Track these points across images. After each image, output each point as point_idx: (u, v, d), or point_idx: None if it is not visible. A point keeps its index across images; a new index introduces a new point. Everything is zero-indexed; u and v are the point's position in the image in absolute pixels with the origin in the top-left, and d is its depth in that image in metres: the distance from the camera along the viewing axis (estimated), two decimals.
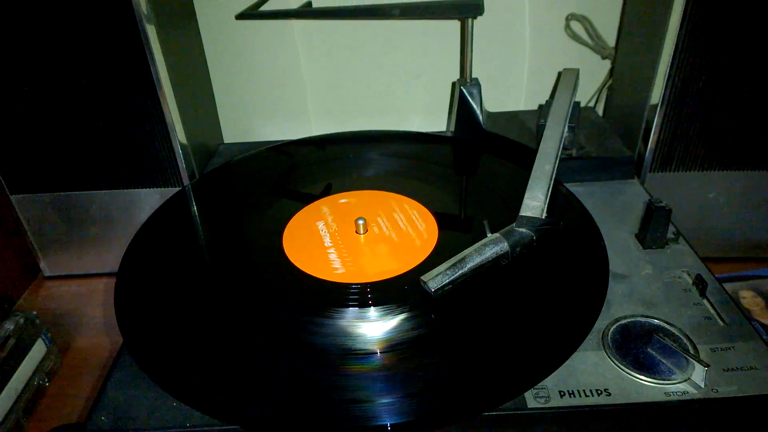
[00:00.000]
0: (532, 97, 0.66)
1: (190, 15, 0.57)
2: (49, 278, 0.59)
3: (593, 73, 0.65)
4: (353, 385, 0.32)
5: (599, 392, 0.32)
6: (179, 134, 0.51)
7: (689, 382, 0.32)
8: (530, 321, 0.36)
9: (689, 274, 0.40)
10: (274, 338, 0.35)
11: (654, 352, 0.34)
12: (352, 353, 0.34)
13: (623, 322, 0.36)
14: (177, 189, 0.53)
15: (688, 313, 0.37)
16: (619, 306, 0.38)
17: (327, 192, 0.49)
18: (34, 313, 0.46)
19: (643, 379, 0.33)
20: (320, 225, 0.45)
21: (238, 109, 0.64)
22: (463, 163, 0.56)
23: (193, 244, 0.45)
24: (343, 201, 0.48)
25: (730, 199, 0.54)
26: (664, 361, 0.34)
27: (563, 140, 0.50)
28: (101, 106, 0.49)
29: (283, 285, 0.40)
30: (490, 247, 0.38)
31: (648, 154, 0.52)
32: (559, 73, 0.59)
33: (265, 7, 0.56)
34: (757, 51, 0.46)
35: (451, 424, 0.30)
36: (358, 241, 0.43)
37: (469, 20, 0.53)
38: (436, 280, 0.37)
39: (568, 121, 0.51)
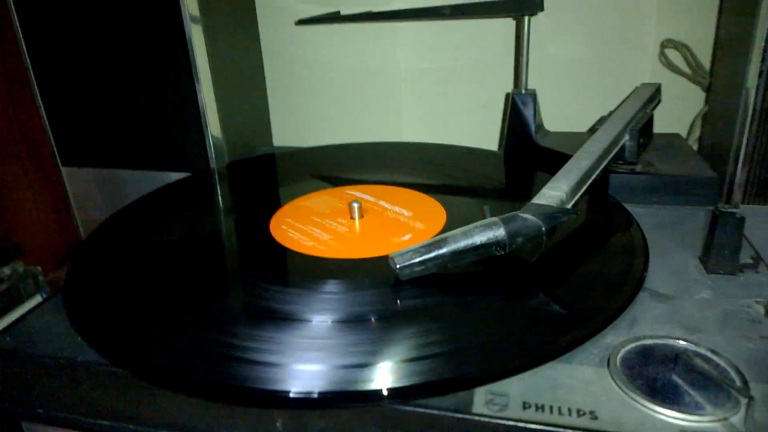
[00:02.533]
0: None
1: (251, 21, 0.59)
2: None
3: (688, 105, 0.56)
4: (259, 348, 0.26)
5: (581, 413, 0.23)
6: (212, 126, 0.51)
7: (724, 423, 0.22)
8: (504, 309, 0.29)
9: (763, 305, 0.29)
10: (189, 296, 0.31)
11: (679, 380, 0.24)
12: (267, 315, 0.28)
13: (647, 342, 0.27)
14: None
15: (748, 345, 0.27)
16: (648, 325, 0.28)
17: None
18: (39, 268, 0.46)
19: (653, 408, 0.23)
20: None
21: (293, 113, 0.64)
22: (511, 177, 0.49)
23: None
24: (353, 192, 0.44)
25: None
26: (691, 392, 0.23)
27: (619, 146, 0.42)
28: (147, 90, 0.51)
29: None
30: (480, 231, 0.31)
31: (736, 182, 0.42)
32: (636, 88, 0.51)
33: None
34: None
35: (357, 402, 0.23)
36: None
37: (526, 18, 0.48)
38: (404, 256, 0.30)
39: (633, 130, 0.43)
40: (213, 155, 0.52)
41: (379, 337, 0.27)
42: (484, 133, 0.59)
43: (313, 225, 0.38)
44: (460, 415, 0.23)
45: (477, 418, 0.23)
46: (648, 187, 0.43)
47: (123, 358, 0.27)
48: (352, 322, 0.28)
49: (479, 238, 0.31)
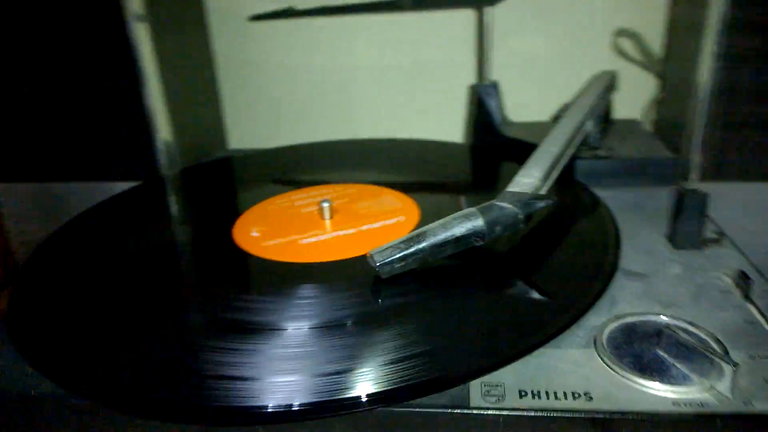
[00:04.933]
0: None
1: (198, 18, 0.57)
2: None
3: (644, 90, 0.57)
4: (235, 362, 0.25)
5: (576, 395, 0.23)
6: (162, 130, 0.49)
7: (711, 392, 0.23)
8: (488, 301, 0.29)
9: (730, 276, 0.31)
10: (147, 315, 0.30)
11: (665, 354, 0.25)
12: (239, 327, 0.28)
13: (629, 320, 0.27)
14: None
15: (722, 315, 0.28)
16: (627, 304, 0.29)
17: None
18: None
19: (643, 384, 0.23)
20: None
21: (250, 115, 0.62)
22: (477, 168, 0.50)
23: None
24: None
25: None
26: (677, 364, 0.24)
27: (585, 133, 0.43)
28: (86, 95, 0.48)
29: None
30: (459, 222, 0.31)
31: (692, 162, 0.44)
32: (593, 76, 0.52)
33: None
34: None
35: (348, 410, 0.23)
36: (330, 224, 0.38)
37: (487, 10, 0.48)
38: (383, 253, 0.30)
39: (594, 116, 0.44)
40: (164, 162, 0.50)
41: (361, 341, 0.26)
42: (450, 126, 0.59)
43: (281, 229, 0.37)
44: (459, 411, 0.23)
45: (476, 411, 0.23)
46: (611, 171, 0.44)
47: (86, 386, 0.25)
48: (331, 327, 0.27)
49: (458, 230, 0.31)
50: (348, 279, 0.31)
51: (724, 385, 0.22)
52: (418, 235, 0.31)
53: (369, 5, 0.51)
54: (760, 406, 0.22)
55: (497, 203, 0.32)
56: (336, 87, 0.60)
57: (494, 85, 0.51)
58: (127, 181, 0.50)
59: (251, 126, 0.62)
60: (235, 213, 0.40)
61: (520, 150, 0.41)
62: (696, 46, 0.42)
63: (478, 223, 0.31)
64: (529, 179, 0.34)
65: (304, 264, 0.33)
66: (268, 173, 0.50)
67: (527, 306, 0.29)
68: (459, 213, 0.31)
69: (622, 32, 0.56)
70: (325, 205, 0.38)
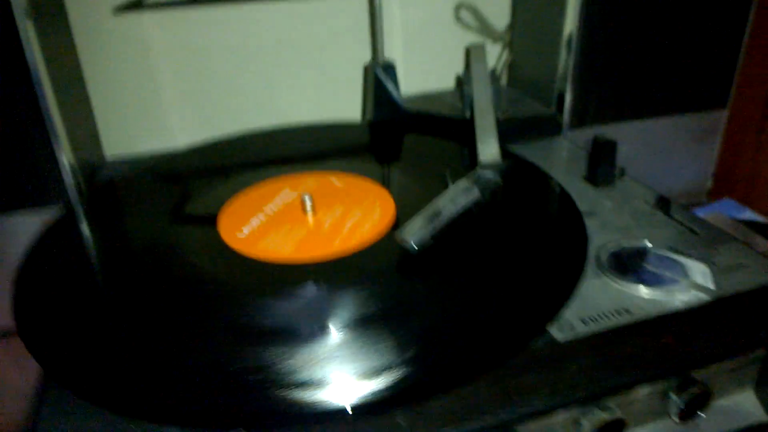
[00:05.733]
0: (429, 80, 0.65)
1: (60, 9, 0.49)
2: None
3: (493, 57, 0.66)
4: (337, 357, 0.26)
5: (618, 312, 0.30)
6: (65, 146, 0.43)
7: (698, 287, 0.31)
8: (523, 262, 0.34)
9: (647, 201, 0.40)
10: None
11: (652, 268, 0.33)
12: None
13: (611, 249, 0.35)
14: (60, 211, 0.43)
15: (662, 232, 0.37)
16: (599, 237, 0.36)
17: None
18: None
19: (655, 293, 0.31)
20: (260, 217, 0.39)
21: (121, 119, 0.56)
22: (390, 146, 0.53)
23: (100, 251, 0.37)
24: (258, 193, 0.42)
25: (641, 149, 0.56)
26: (665, 273, 0.32)
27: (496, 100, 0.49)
28: None
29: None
30: (462, 196, 0.35)
31: (565, 114, 0.53)
32: (467, 49, 0.59)
33: None
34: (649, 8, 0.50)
35: (494, 368, 0.26)
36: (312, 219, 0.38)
37: None
38: (416, 235, 0.33)
39: (494, 84, 0.50)
40: (71, 181, 0.44)
41: (415, 329, 0.29)
42: (346, 105, 0.61)
43: (264, 228, 0.37)
44: (553, 342, 0.28)
45: (563, 341, 0.28)
46: (511, 131, 0.52)
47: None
48: (369, 321, 0.29)
49: (462, 202, 0.35)
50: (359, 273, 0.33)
51: (705, 278, 0.31)
52: (435, 214, 0.34)
53: None
54: (729, 287, 0.31)
55: (482, 174, 0.37)
56: (221, 73, 0.57)
57: (391, 65, 0.54)
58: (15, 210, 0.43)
59: (126, 130, 0.56)
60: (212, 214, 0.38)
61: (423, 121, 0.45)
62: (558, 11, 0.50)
63: (475, 192, 0.35)
64: (491, 149, 0.39)
65: (314, 263, 0.34)
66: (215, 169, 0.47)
67: (548, 254, 0.34)
68: (457, 188, 0.36)
69: (461, 7, 0.64)
70: (307, 199, 0.38)
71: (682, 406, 0.28)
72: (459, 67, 0.62)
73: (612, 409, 0.26)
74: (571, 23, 0.50)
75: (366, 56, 0.58)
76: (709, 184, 0.63)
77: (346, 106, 0.61)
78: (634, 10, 0.50)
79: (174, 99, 0.56)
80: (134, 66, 0.54)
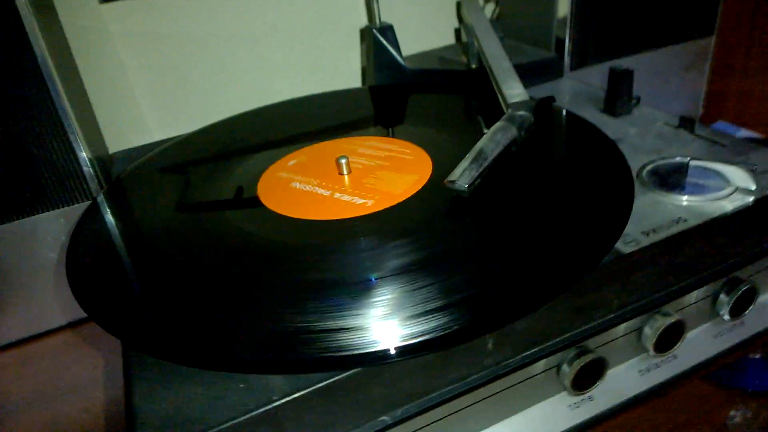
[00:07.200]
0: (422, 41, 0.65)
1: (50, 2, 0.47)
2: None
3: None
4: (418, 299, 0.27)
5: (676, 221, 0.31)
6: (81, 140, 0.42)
7: (740, 191, 0.32)
8: (575, 190, 0.35)
9: (667, 123, 0.42)
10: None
11: (695, 179, 0.34)
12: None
13: (650, 166, 0.36)
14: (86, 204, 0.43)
15: (692, 148, 0.38)
16: (635, 158, 0.37)
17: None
18: None
19: (703, 200, 0.32)
20: (297, 185, 0.39)
21: (120, 110, 0.55)
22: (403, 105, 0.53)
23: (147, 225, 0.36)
24: (292, 163, 0.42)
25: (636, 81, 0.58)
26: (707, 182, 0.34)
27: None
28: None
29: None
30: (501, 135, 0.36)
31: (566, 55, 0.54)
32: (458, 3, 0.59)
33: None
34: None
35: (577, 282, 0.27)
36: (348, 179, 0.38)
37: None
38: (464, 176, 0.33)
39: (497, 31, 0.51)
40: (93, 174, 0.43)
41: (499, 260, 0.30)
42: (343, 73, 0.60)
43: (301, 193, 0.37)
44: (619, 255, 0.29)
45: (629, 251, 0.29)
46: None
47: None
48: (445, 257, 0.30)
49: (502, 140, 0.35)
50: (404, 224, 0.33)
51: (747, 181, 0.32)
52: (479, 154, 0.34)
53: None
54: None
55: (516, 113, 0.37)
56: (215, 57, 0.56)
57: (389, 26, 0.54)
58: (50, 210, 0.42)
59: (123, 121, 0.55)
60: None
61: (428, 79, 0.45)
62: None
63: (513, 131, 0.36)
64: (517, 90, 0.40)
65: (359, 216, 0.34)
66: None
67: (598, 180, 0.35)
68: (495, 128, 0.36)
69: None
70: (342, 161, 0.38)
71: (732, 304, 0.29)
72: (447, 25, 0.63)
73: (671, 315, 0.28)
74: None
75: (351, 25, 0.58)
76: (701, 109, 0.65)
77: (341, 81, 0.60)
78: None
79: (174, 89, 0.56)
80: (122, 58, 0.53)
